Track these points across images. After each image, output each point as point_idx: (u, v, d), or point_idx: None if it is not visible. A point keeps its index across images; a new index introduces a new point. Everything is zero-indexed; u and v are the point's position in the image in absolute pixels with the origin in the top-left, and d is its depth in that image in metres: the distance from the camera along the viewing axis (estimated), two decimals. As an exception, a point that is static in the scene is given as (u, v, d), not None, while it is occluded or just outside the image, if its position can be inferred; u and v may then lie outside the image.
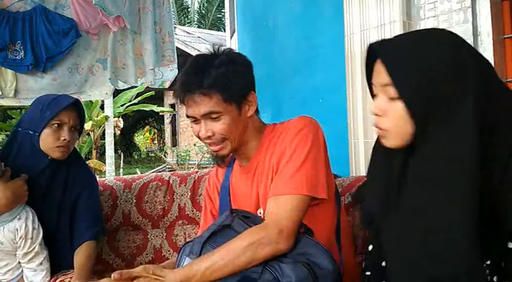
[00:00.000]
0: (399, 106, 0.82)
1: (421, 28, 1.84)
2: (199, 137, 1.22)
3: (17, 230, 1.41)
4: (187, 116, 1.21)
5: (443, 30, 0.91)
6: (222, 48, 1.22)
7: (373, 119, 0.90)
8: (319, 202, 1.15)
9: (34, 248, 1.45)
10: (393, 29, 1.90)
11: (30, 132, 1.51)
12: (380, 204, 0.89)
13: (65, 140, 1.49)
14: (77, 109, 1.57)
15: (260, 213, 1.21)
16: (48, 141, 1.49)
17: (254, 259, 1.01)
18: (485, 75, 0.81)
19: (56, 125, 1.49)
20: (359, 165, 2.07)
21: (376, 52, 0.87)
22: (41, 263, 1.47)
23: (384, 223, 0.88)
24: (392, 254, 0.86)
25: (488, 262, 0.76)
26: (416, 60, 0.81)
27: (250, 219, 1.14)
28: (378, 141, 0.93)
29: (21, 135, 1.53)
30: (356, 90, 2.05)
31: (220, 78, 1.13)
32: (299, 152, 1.13)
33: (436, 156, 0.78)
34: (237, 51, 1.25)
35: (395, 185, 0.85)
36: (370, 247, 0.97)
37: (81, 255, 1.50)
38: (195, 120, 1.19)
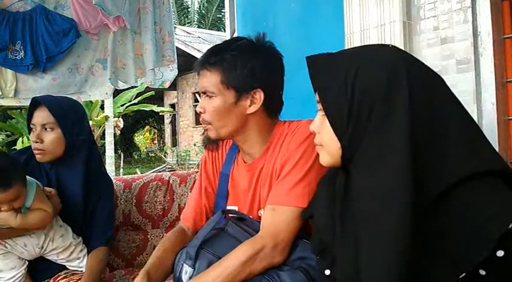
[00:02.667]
0: (327, 123, 0.82)
1: (422, 29, 1.84)
2: None
3: (45, 234, 1.42)
4: None
5: (386, 46, 0.87)
6: (263, 37, 1.19)
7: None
8: None
9: (70, 243, 1.47)
10: (393, 29, 1.90)
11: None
12: (329, 231, 0.88)
13: (36, 142, 1.44)
14: (45, 107, 1.45)
15: (261, 214, 1.19)
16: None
17: (251, 274, 1.02)
18: (425, 98, 0.76)
19: (33, 129, 1.47)
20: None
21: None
22: (81, 250, 1.50)
23: (336, 250, 0.87)
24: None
25: None
26: (339, 76, 0.78)
27: (245, 222, 1.14)
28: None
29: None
30: (356, 90, 2.05)
31: (227, 60, 1.11)
32: (303, 161, 1.09)
33: (365, 179, 0.76)
34: (273, 47, 1.20)
35: (339, 203, 0.85)
36: (328, 272, 0.91)
37: (93, 259, 1.49)
38: (199, 93, 1.19)
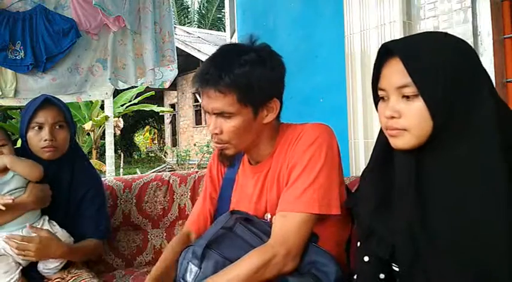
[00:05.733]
0: (418, 105, 0.82)
1: (422, 29, 1.84)
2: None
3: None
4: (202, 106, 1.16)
5: (450, 34, 0.92)
6: (257, 42, 1.13)
7: (383, 122, 0.89)
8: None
9: (64, 241, 1.46)
10: (393, 29, 1.90)
11: (23, 138, 1.51)
12: (374, 217, 0.89)
13: (46, 140, 1.46)
14: (55, 106, 1.51)
15: (267, 217, 1.18)
16: (33, 144, 1.48)
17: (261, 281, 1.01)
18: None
19: (36, 127, 1.48)
20: (359, 165, 2.07)
21: (387, 53, 0.86)
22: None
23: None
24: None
25: None
26: (436, 59, 0.81)
27: (252, 223, 1.13)
28: (375, 152, 0.94)
29: (21, 143, 1.55)
30: (356, 90, 2.05)
31: (241, 77, 1.05)
32: (312, 165, 1.07)
33: (461, 155, 0.80)
34: (273, 52, 1.15)
35: (407, 187, 0.85)
36: (366, 258, 0.93)
37: (82, 243, 1.51)
38: (208, 112, 1.12)
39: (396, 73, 0.84)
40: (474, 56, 0.85)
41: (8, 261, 1.40)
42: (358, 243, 0.98)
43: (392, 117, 0.86)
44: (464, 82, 0.81)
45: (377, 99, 0.92)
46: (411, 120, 0.84)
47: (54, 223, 1.48)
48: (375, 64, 0.91)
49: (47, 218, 1.47)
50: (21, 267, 1.42)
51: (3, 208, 1.33)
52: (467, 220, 0.78)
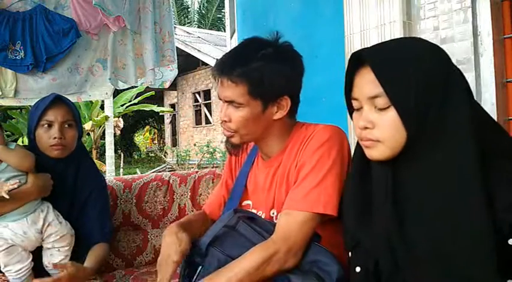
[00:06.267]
0: (391, 115, 0.80)
1: (423, 29, 1.84)
2: None
3: (43, 219, 1.44)
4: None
5: (421, 39, 0.90)
6: (280, 39, 1.16)
7: (357, 133, 0.88)
8: None
9: (67, 232, 1.48)
10: (393, 29, 1.90)
11: (31, 136, 1.53)
12: (363, 227, 0.89)
13: (55, 138, 1.48)
14: (65, 104, 1.54)
15: (273, 214, 1.19)
16: (42, 142, 1.50)
17: (262, 278, 1.01)
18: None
19: (46, 125, 1.50)
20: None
21: (359, 61, 0.85)
22: (67, 245, 1.49)
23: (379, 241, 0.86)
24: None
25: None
26: (408, 68, 0.79)
27: (255, 222, 1.13)
28: (355, 159, 0.94)
29: (29, 140, 1.56)
30: (356, 90, 2.05)
31: (253, 71, 1.08)
32: (320, 166, 1.08)
33: (436, 163, 0.78)
34: (294, 50, 1.18)
35: (385, 198, 0.84)
36: (358, 269, 0.92)
37: (97, 251, 1.51)
38: (221, 99, 1.17)
39: (368, 83, 0.83)
40: (446, 60, 0.82)
41: (18, 251, 1.42)
42: (350, 254, 0.97)
43: (366, 128, 0.85)
44: (438, 89, 0.79)
45: (351, 108, 0.92)
46: (384, 131, 0.82)
47: (58, 213, 1.50)
48: (346, 72, 0.89)
49: (50, 205, 1.49)
50: (31, 257, 1.45)
51: (7, 196, 1.33)
52: (445, 228, 0.76)
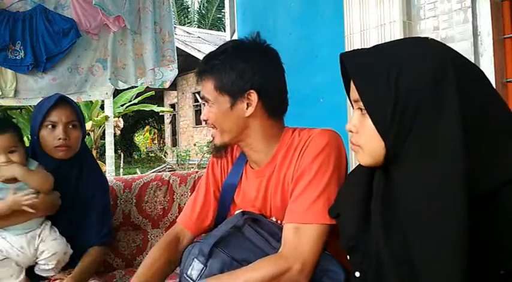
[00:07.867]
0: (369, 123, 0.77)
1: (423, 29, 1.84)
2: None
3: (38, 234, 1.43)
4: None
5: (426, 39, 0.82)
6: (255, 37, 1.18)
7: (349, 135, 0.87)
8: None
9: (58, 250, 1.46)
10: (393, 29, 1.90)
11: (35, 137, 1.51)
12: (360, 229, 0.86)
13: (60, 139, 1.47)
14: (69, 105, 1.52)
15: (273, 220, 1.17)
16: (46, 143, 1.48)
17: None
18: (472, 89, 0.72)
19: (50, 126, 1.48)
20: (359, 165, 2.06)
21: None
22: (59, 263, 1.47)
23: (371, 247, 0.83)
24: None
25: None
26: (387, 78, 0.74)
27: (260, 224, 1.12)
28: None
29: (32, 141, 1.55)
30: (356, 90, 2.05)
31: (216, 66, 1.12)
32: (320, 175, 1.06)
33: (414, 176, 0.73)
34: (266, 46, 1.18)
35: (379, 202, 0.81)
36: (357, 274, 0.88)
37: (87, 258, 1.49)
38: None
39: (353, 87, 0.80)
40: (435, 64, 0.73)
41: (11, 265, 1.40)
42: (348, 257, 0.94)
43: (351, 131, 0.83)
44: (422, 100, 0.71)
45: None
46: (363, 138, 0.80)
47: (55, 229, 1.48)
48: (342, 73, 0.87)
49: (49, 223, 1.48)
50: (24, 272, 1.43)
51: (31, 210, 1.34)
52: (421, 243, 0.72)
